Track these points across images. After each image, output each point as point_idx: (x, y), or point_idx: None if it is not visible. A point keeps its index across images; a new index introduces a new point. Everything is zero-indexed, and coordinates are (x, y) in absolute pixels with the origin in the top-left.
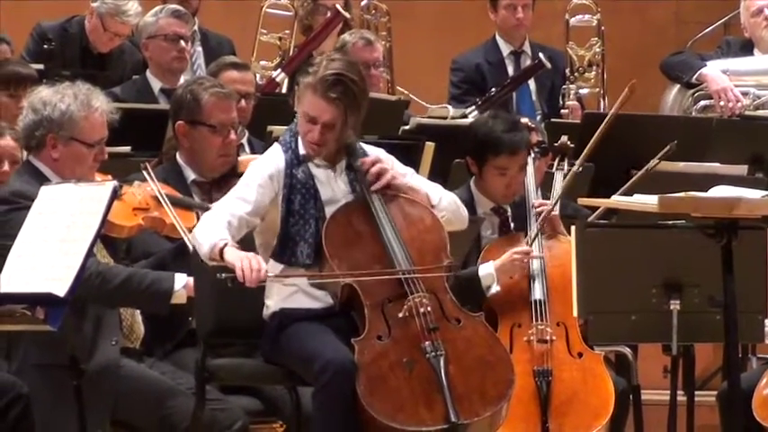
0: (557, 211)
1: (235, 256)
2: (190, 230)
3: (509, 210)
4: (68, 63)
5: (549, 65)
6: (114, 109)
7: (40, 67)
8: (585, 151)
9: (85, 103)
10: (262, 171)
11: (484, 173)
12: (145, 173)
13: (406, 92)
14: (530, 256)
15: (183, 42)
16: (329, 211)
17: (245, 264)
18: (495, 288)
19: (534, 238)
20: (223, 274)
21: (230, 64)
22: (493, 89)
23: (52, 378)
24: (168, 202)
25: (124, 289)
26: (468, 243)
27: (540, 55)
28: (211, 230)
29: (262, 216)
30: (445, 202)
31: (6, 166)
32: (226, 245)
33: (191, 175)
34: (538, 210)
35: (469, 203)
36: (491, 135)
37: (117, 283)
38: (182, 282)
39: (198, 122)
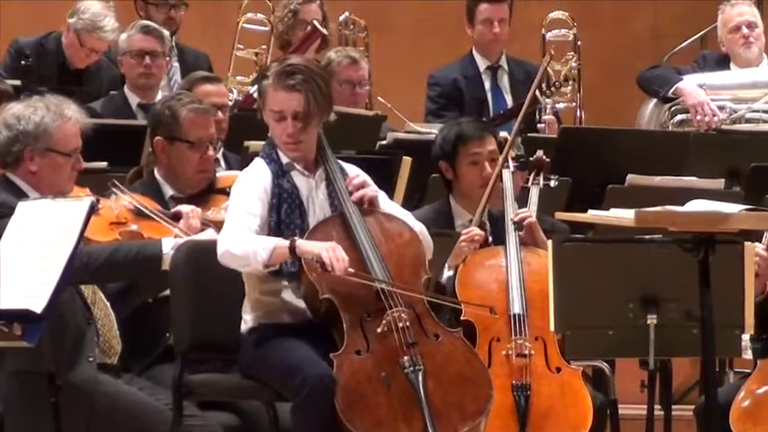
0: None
1: (317, 246)
2: None
3: (487, 223)
4: (45, 79)
5: (543, 102)
6: (87, 117)
7: (17, 82)
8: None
9: (58, 113)
10: (256, 184)
11: (458, 171)
12: (115, 189)
13: (385, 102)
14: (475, 240)
15: (148, 58)
16: (311, 221)
17: (331, 253)
18: (447, 273)
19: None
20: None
21: (203, 78)
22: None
23: (28, 386)
24: (152, 210)
25: (112, 262)
26: (446, 257)
27: (536, 92)
28: (254, 240)
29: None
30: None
31: None
32: (296, 240)
33: (168, 191)
34: (516, 219)
35: (447, 216)
36: (456, 129)
37: (104, 258)
38: (169, 244)
39: (176, 138)
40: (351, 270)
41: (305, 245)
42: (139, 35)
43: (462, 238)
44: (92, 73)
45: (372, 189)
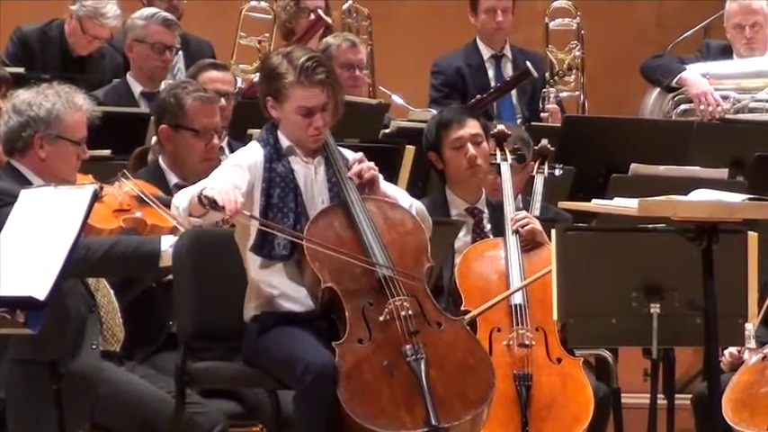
0: (537, 223)
1: (215, 190)
2: (170, 231)
3: (485, 210)
4: (48, 67)
5: (536, 74)
6: (95, 108)
7: (21, 70)
8: None
9: (70, 101)
10: (238, 160)
11: (446, 160)
12: (123, 179)
13: (388, 92)
14: None
15: (168, 53)
16: (308, 205)
17: (225, 195)
18: None
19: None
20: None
21: (210, 64)
22: (477, 96)
23: (31, 374)
24: (154, 200)
25: (110, 256)
26: (448, 247)
27: (528, 64)
28: (188, 193)
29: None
30: (414, 210)
31: None
32: (204, 188)
33: (173, 179)
34: (515, 227)
35: (443, 206)
36: (437, 118)
37: (102, 252)
38: (168, 242)
39: (181, 127)
40: (246, 213)
41: (206, 191)
42: (161, 27)
43: None
44: (95, 60)
45: (371, 167)
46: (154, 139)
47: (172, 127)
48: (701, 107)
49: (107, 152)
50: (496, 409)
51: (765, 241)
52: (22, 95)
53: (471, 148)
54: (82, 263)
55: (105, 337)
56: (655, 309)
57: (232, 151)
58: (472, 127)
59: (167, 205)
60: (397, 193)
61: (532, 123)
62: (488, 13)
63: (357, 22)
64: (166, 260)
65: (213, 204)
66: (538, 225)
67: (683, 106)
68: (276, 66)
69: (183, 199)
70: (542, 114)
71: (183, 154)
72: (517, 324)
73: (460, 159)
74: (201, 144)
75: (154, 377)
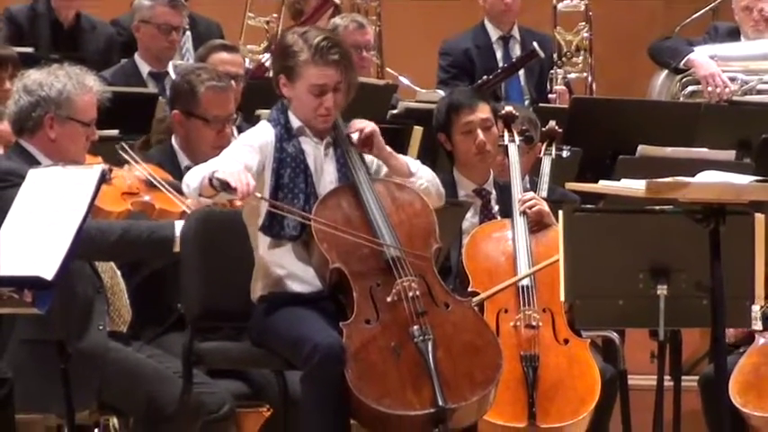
0: (545, 204)
1: (228, 172)
2: (179, 215)
3: (493, 191)
4: (40, 42)
5: (542, 54)
6: (105, 89)
7: (29, 50)
8: None
9: (81, 83)
10: (249, 140)
11: (455, 142)
12: (124, 154)
13: (395, 73)
14: None
15: (174, 33)
16: (318, 186)
17: (236, 177)
18: None
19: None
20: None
21: (220, 46)
22: (484, 77)
23: (39, 353)
24: (164, 184)
25: (124, 240)
26: (456, 228)
27: (534, 44)
28: (200, 172)
29: None
30: (423, 172)
31: (1, 150)
32: (216, 170)
33: (185, 161)
34: (523, 208)
35: (451, 187)
36: (447, 100)
37: (117, 236)
38: (182, 227)
39: (193, 114)
40: (258, 195)
41: (220, 173)
42: (167, 8)
43: None
44: (86, 33)
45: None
46: (158, 115)
47: (184, 113)
48: (709, 89)
49: (115, 132)
50: (503, 390)
51: None
52: (33, 76)
53: (481, 134)
54: (95, 246)
55: (112, 318)
56: (662, 290)
57: (240, 133)
58: (482, 111)
59: (177, 189)
60: (404, 157)
61: (540, 105)
62: None
63: (366, 2)
64: (180, 245)
65: (225, 187)
66: (545, 206)
67: (690, 88)
68: (291, 44)
69: (194, 179)
70: (550, 96)
71: (194, 140)
72: (524, 305)
73: (469, 144)
74: (213, 132)
75: (161, 357)
